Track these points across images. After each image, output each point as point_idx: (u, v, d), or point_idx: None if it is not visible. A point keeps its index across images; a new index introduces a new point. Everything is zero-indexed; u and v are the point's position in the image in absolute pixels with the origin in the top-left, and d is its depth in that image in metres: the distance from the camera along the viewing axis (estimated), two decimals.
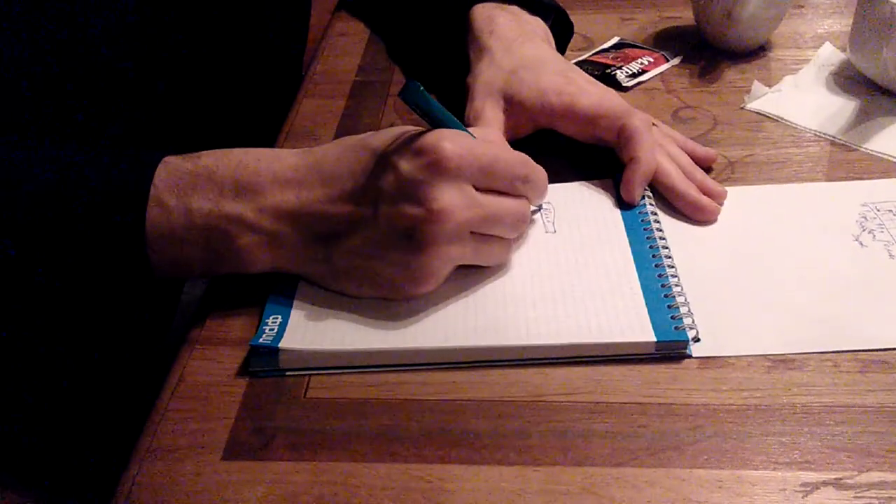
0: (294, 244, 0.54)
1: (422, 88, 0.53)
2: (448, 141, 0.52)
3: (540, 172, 0.57)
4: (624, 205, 0.63)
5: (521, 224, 0.57)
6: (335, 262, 0.54)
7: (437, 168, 0.51)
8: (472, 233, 0.53)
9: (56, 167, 0.53)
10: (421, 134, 0.53)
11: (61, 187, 0.52)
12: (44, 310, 0.59)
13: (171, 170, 0.53)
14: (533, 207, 0.59)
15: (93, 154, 0.54)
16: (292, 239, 0.53)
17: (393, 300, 0.55)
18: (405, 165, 0.52)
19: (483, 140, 0.55)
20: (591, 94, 0.66)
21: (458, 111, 0.69)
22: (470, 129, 0.57)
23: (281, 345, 0.52)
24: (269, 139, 0.75)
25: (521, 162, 0.56)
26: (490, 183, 0.54)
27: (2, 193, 0.52)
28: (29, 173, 0.52)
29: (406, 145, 0.52)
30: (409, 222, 0.51)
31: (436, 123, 0.54)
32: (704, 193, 0.63)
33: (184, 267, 0.54)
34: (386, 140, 0.53)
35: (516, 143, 0.67)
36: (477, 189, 0.53)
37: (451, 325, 0.54)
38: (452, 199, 0.51)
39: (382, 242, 0.52)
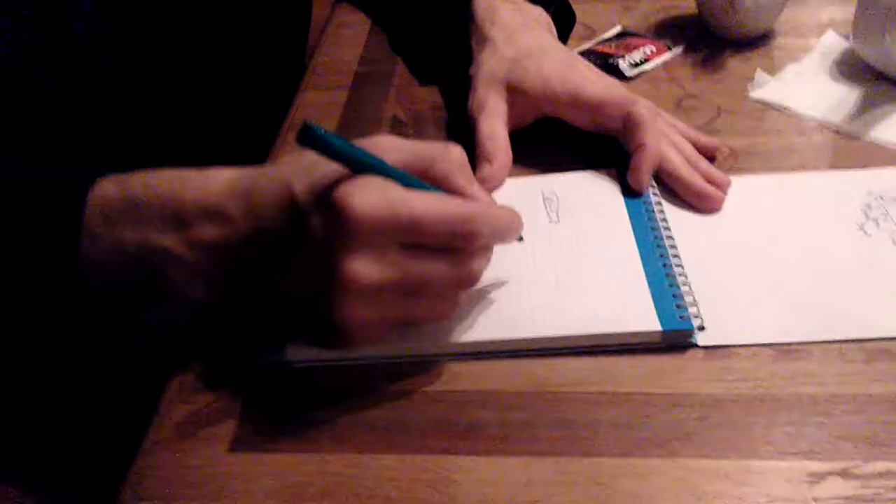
0: (219, 278, 0.51)
1: (322, 131, 0.45)
2: (358, 196, 0.45)
3: (499, 219, 0.50)
4: (628, 194, 0.63)
5: (466, 284, 0.49)
6: (264, 298, 0.52)
7: (345, 229, 0.45)
8: (397, 294, 0.48)
9: None
10: (339, 185, 0.46)
11: None
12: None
13: (100, 195, 0.50)
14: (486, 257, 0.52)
15: (26, 171, 0.52)
16: (217, 273, 0.50)
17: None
18: (315, 222, 0.46)
19: (412, 193, 0.47)
20: (594, 82, 0.66)
21: (461, 102, 0.70)
22: (446, 146, 0.50)
23: (287, 357, 0.52)
24: (271, 131, 0.74)
25: (460, 218, 0.47)
26: (421, 241, 0.47)
27: None
28: None
29: (319, 196, 0.47)
30: (318, 282, 0.46)
31: (352, 165, 0.47)
32: (709, 182, 0.63)
33: (126, 296, 0.52)
34: (305, 186, 0.48)
35: (520, 132, 0.67)
36: (407, 247, 0.47)
37: (456, 318, 0.53)
38: (362, 264, 0.45)
39: (298, 293, 0.49)
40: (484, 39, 0.71)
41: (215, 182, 0.50)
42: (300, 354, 0.52)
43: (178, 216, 0.50)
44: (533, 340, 0.52)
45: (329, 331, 0.48)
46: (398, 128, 0.74)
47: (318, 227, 0.46)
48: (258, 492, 0.45)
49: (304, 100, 0.79)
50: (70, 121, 0.61)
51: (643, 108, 0.64)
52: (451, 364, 0.52)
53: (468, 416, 0.49)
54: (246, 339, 0.54)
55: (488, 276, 0.56)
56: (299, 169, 0.49)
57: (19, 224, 0.50)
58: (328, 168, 0.47)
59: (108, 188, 0.51)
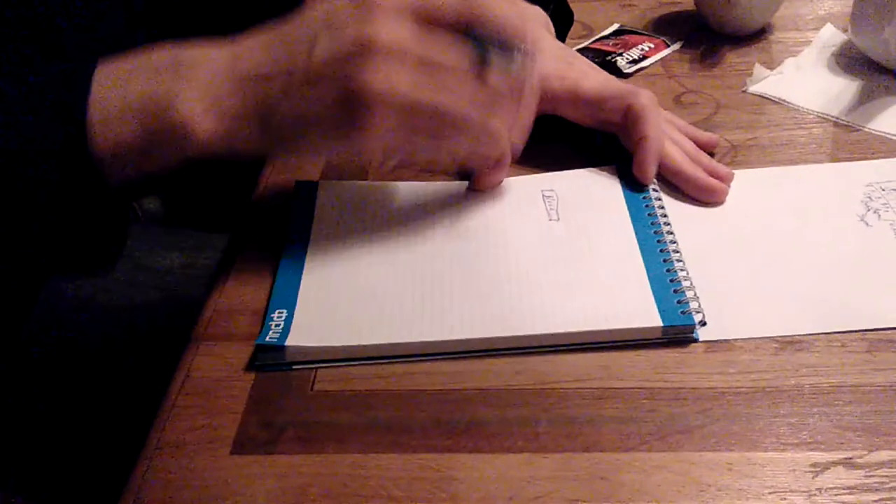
0: (232, 106, 0.51)
1: None
2: None
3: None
4: (628, 190, 0.63)
5: (470, 78, 0.51)
6: (275, 122, 0.51)
7: (370, 4, 0.49)
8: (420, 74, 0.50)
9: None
10: None
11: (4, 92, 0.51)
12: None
13: (109, 63, 0.51)
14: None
15: (35, 66, 0.53)
16: (230, 100, 0.51)
17: (346, 148, 0.53)
18: (339, 4, 0.50)
19: None
20: (593, 78, 0.66)
21: None
22: None
23: (287, 342, 0.52)
24: None
25: None
26: (436, 18, 0.50)
27: None
28: None
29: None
30: (342, 54, 0.49)
31: None
32: (712, 176, 0.63)
33: (123, 155, 0.51)
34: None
35: None
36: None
37: (457, 316, 0.54)
38: (380, 27, 0.49)
39: (317, 87, 0.50)
40: None
41: (222, 39, 0.52)
42: (301, 355, 0.52)
43: (191, 61, 0.51)
44: (534, 337, 0.52)
45: (355, 108, 0.49)
46: None
47: (343, 7, 0.49)
48: (260, 494, 0.45)
49: None
50: None
51: (644, 99, 0.64)
52: (452, 362, 0.52)
53: (470, 414, 0.49)
54: (247, 342, 0.54)
55: (490, 274, 0.56)
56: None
57: (30, 102, 0.50)
58: None
59: (116, 59, 0.52)
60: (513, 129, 0.55)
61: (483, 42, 0.51)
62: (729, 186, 0.63)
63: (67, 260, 0.57)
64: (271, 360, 0.52)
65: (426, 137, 0.52)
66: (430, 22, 0.50)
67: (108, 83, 0.50)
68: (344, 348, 0.52)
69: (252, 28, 0.53)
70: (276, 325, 0.53)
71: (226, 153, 0.52)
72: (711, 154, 0.67)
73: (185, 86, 0.51)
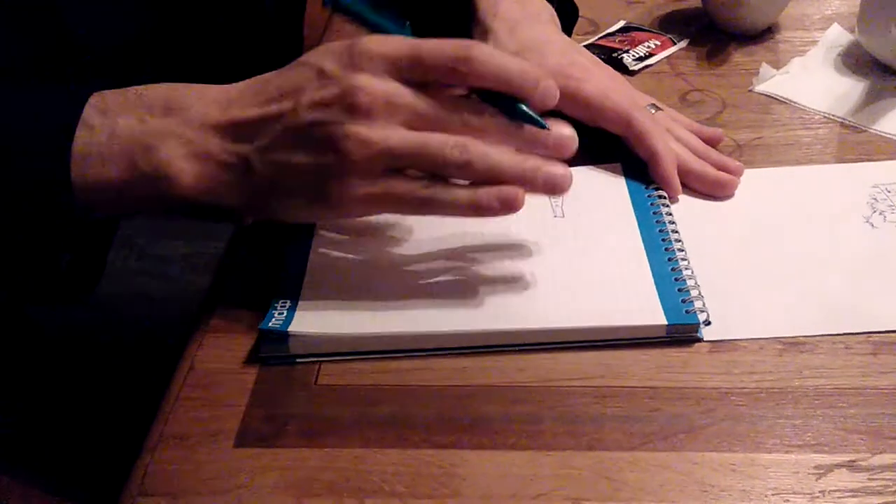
0: (214, 154, 0.51)
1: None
2: (371, 37, 0.50)
3: (498, 55, 0.51)
4: (633, 188, 0.63)
5: (461, 124, 0.50)
6: (256, 171, 0.51)
7: (357, 58, 0.49)
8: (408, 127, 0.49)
9: None
10: (347, 40, 0.51)
11: None
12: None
13: (101, 97, 0.52)
14: (541, 122, 0.52)
15: (28, 89, 0.53)
16: (213, 148, 0.51)
17: (328, 220, 0.54)
18: (329, 65, 0.50)
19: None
20: (596, 82, 0.65)
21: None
22: None
23: (290, 329, 0.52)
24: None
25: (459, 45, 0.49)
26: (421, 73, 0.49)
27: None
28: None
29: (331, 49, 0.51)
30: (327, 103, 0.49)
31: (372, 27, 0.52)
32: (721, 170, 0.63)
33: (104, 190, 0.51)
34: (313, 51, 0.52)
35: None
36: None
37: (461, 309, 0.54)
38: (367, 80, 0.48)
39: (300, 135, 0.50)
40: (486, 32, 0.71)
41: (215, 86, 0.53)
42: (304, 348, 0.52)
43: (181, 103, 0.52)
44: (538, 333, 0.52)
45: (331, 159, 0.49)
46: None
47: (331, 65, 0.49)
48: (263, 487, 0.45)
49: None
50: None
51: (642, 116, 0.64)
52: (456, 358, 0.52)
53: (473, 410, 0.49)
54: (250, 335, 0.54)
55: (494, 269, 0.56)
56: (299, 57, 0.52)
57: (19, 124, 0.51)
58: (322, 45, 0.51)
59: (108, 92, 0.52)
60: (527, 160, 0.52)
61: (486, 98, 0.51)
62: (739, 180, 0.63)
63: (40, 288, 0.57)
64: (274, 351, 0.52)
65: (414, 185, 0.51)
66: (422, 73, 0.49)
67: (99, 116, 0.51)
68: (346, 337, 0.52)
69: (250, 69, 0.53)
70: (280, 314, 0.53)
71: (208, 203, 0.52)
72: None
73: (172, 128, 0.51)
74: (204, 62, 0.73)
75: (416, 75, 0.49)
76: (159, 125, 0.51)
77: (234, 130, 0.51)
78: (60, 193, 0.50)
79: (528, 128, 0.51)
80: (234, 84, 0.53)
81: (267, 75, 0.53)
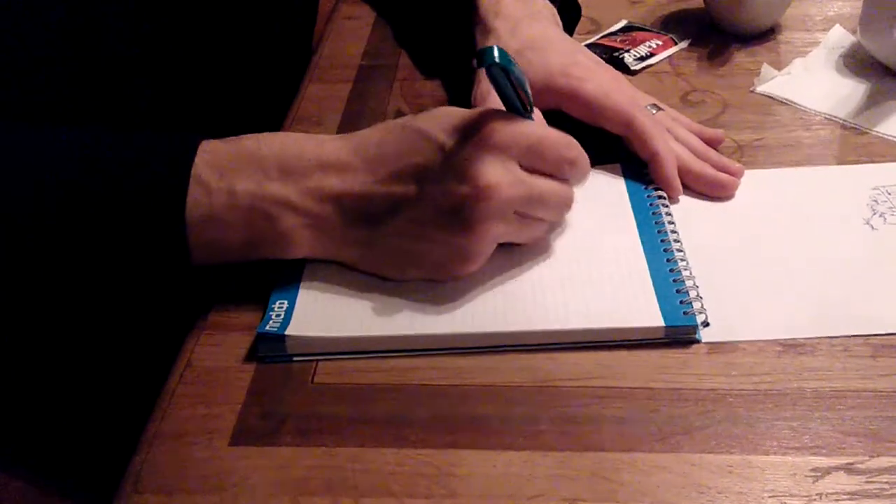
0: (337, 227, 0.53)
1: (504, 54, 0.50)
2: (493, 118, 0.52)
3: (584, 155, 0.56)
4: (632, 188, 0.63)
5: (566, 207, 0.56)
6: (378, 245, 0.53)
7: (485, 145, 0.51)
8: (515, 213, 0.53)
9: (91, 150, 0.52)
10: (468, 113, 0.52)
11: (100, 168, 0.51)
12: (73, 292, 0.59)
13: (212, 150, 0.52)
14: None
15: (130, 135, 0.53)
16: (336, 222, 0.53)
17: (435, 281, 0.54)
18: (449, 142, 0.51)
19: (532, 121, 0.54)
20: (597, 81, 0.65)
21: (465, 93, 0.69)
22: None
23: (287, 332, 0.52)
24: (275, 123, 0.74)
25: (568, 144, 0.54)
26: (536, 163, 0.53)
27: (36, 177, 0.51)
28: (65, 156, 0.52)
29: (450, 123, 0.52)
30: (456, 199, 0.51)
31: (507, 92, 0.52)
32: (721, 171, 0.63)
33: (222, 251, 0.53)
34: (432, 120, 0.53)
35: None
36: (523, 169, 0.52)
37: (458, 310, 0.53)
38: (499, 176, 0.50)
39: (428, 222, 0.52)
40: (488, 31, 0.71)
41: (327, 140, 0.54)
42: (302, 347, 0.52)
43: (297, 168, 0.52)
44: (536, 334, 0.52)
45: (457, 253, 0.53)
46: None
47: (455, 147, 0.51)
48: (259, 485, 0.45)
49: (307, 93, 0.78)
50: (76, 108, 0.61)
51: (642, 116, 0.63)
52: (454, 358, 0.52)
53: (471, 410, 0.49)
54: (248, 332, 0.54)
55: (493, 270, 0.56)
56: (403, 119, 0.55)
57: (129, 178, 0.51)
58: (429, 114, 0.54)
59: (218, 144, 0.53)
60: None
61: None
62: (739, 180, 0.63)
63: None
64: (272, 350, 0.52)
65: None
66: (538, 164, 0.53)
67: (213, 174, 0.51)
68: (343, 339, 0.52)
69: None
70: (277, 316, 0.53)
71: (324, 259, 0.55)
72: (717, 152, 0.67)
73: (291, 198, 0.52)
74: (212, 74, 0.73)
75: (530, 163, 0.53)
76: (278, 191, 0.52)
77: (355, 205, 0.53)
78: (177, 255, 0.51)
79: None
80: (344, 140, 0.54)
81: (375, 136, 0.54)
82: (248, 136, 0.54)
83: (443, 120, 0.52)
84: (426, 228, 0.52)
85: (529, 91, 0.53)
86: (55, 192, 0.51)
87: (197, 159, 0.51)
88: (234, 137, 0.53)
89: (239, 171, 0.51)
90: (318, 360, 0.52)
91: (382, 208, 0.52)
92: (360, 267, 0.55)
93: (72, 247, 0.51)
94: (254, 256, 0.54)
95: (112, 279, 0.55)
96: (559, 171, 0.54)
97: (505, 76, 0.51)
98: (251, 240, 0.52)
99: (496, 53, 0.49)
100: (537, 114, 0.57)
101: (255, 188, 0.51)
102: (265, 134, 0.54)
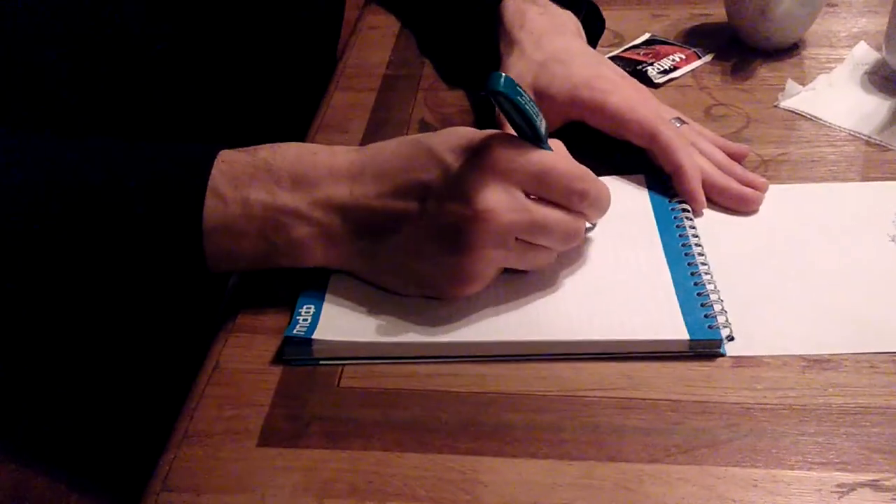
0: (343, 238, 0.53)
1: (510, 83, 0.50)
2: (501, 142, 0.51)
3: (601, 190, 0.55)
4: (656, 200, 0.63)
5: (571, 240, 0.54)
6: (381, 258, 0.54)
7: (487, 169, 0.50)
8: (517, 238, 0.52)
9: (111, 160, 0.53)
10: (478, 135, 0.52)
11: (117, 179, 0.52)
12: (92, 298, 0.60)
13: (229, 161, 0.53)
14: (588, 224, 0.57)
15: (148, 147, 0.54)
16: (342, 232, 0.53)
17: (435, 299, 0.54)
18: (454, 163, 0.51)
19: (542, 150, 0.53)
20: (621, 94, 0.66)
21: (488, 106, 0.70)
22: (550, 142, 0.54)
23: (314, 336, 0.52)
24: (300, 131, 0.75)
25: (579, 176, 0.53)
26: (542, 192, 0.52)
27: (55, 186, 0.52)
28: (84, 166, 0.53)
29: (459, 144, 0.52)
30: (454, 220, 0.51)
31: (515, 119, 0.52)
32: (746, 185, 0.63)
33: (237, 259, 0.54)
34: (441, 138, 0.53)
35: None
36: (529, 196, 0.52)
37: (484, 319, 0.54)
38: (499, 201, 0.50)
39: (427, 240, 0.52)
40: (512, 43, 0.71)
41: (341, 151, 0.55)
42: (327, 351, 0.52)
43: (309, 178, 0.53)
44: (560, 344, 0.52)
45: (453, 274, 0.52)
46: (426, 131, 0.74)
47: (458, 168, 0.51)
48: (286, 486, 0.46)
49: (332, 101, 0.79)
50: (97, 115, 0.62)
51: (667, 129, 0.64)
52: (478, 365, 0.52)
53: (495, 417, 0.49)
54: (275, 335, 0.54)
55: (519, 279, 0.56)
56: (419, 135, 0.55)
57: (147, 186, 0.52)
58: (443, 133, 0.53)
59: (235, 154, 0.53)
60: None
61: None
62: (763, 195, 0.63)
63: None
64: (298, 354, 0.53)
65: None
66: (545, 193, 0.52)
67: (228, 185, 0.52)
68: (369, 345, 0.53)
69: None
70: (304, 320, 0.54)
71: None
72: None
73: (301, 207, 0.53)
74: (237, 81, 0.74)
75: (535, 191, 0.52)
76: (289, 200, 0.52)
77: (359, 216, 0.53)
78: (193, 262, 0.52)
79: None
80: (358, 152, 0.55)
81: (387, 150, 0.54)
82: (265, 146, 0.54)
83: (452, 140, 0.53)
84: (425, 246, 0.52)
85: (542, 121, 0.52)
86: (76, 201, 0.51)
87: (214, 170, 0.52)
88: (251, 147, 0.54)
89: (253, 181, 0.52)
90: (343, 364, 0.53)
91: (385, 222, 0.53)
92: (366, 278, 0.56)
93: (92, 254, 0.52)
94: (269, 265, 0.55)
95: (132, 285, 0.55)
96: (568, 203, 0.53)
97: (510, 105, 0.50)
98: (265, 249, 0.53)
99: (501, 81, 0.49)
100: (558, 144, 0.55)
101: (268, 198, 0.52)
102: (281, 144, 0.54)
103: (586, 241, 0.59)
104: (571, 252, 0.58)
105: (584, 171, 0.54)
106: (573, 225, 0.54)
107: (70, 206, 0.51)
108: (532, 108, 0.51)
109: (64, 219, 0.51)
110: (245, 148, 0.54)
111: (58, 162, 0.53)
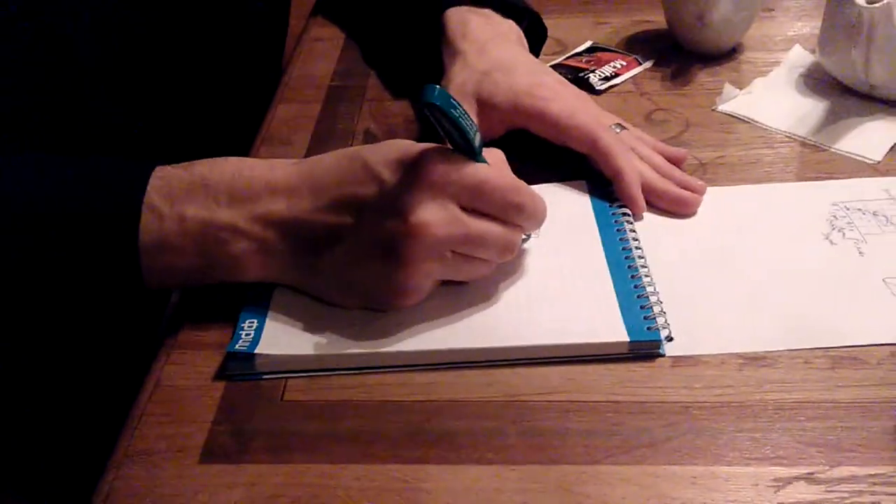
0: (282, 252, 0.53)
1: (444, 96, 0.50)
2: (435, 156, 0.51)
3: (536, 202, 0.55)
4: (597, 205, 0.64)
5: (507, 252, 0.55)
6: (321, 271, 0.54)
7: (421, 183, 0.51)
8: (454, 252, 0.53)
9: (45, 175, 0.53)
10: (414, 148, 0.52)
11: (53, 195, 0.52)
12: (28, 314, 0.59)
13: (164, 177, 0.53)
14: (524, 235, 0.57)
15: (85, 162, 0.54)
16: (281, 247, 0.53)
17: (377, 310, 0.54)
18: (390, 178, 0.51)
19: (477, 163, 0.53)
20: (562, 101, 0.66)
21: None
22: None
23: (257, 350, 0.52)
24: (244, 143, 0.75)
25: (514, 189, 0.53)
26: (477, 205, 0.52)
27: None
28: (17, 181, 0.52)
29: (395, 158, 0.52)
30: (389, 234, 0.51)
31: (450, 132, 0.52)
32: (684, 188, 0.64)
33: (175, 275, 0.53)
34: (377, 152, 0.53)
35: (490, 144, 0.68)
36: (464, 209, 0.52)
37: (427, 328, 0.54)
38: (433, 215, 0.50)
39: (363, 254, 0.52)
40: (455, 53, 0.72)
41: (279, 165, 0.55)
42: (271, 366, 0.52)
43: (245, 193, 0.53)
44: (503, 350, 0.53)
45: (391, 287, 0.53)
46: (371, 141, 0.74)
47: (393, 182, 0.51)
48: (229, 503, 0.45)
49: (277, 113, 0.79)
50: (42, 130, 0.61)
51: (607, 135, 0.65)
52: (422, 374, 0.52)
53: (440, 425, 0.49)
54: (217, 350, 0.54)
55: (461, 287, 0.56)
56: (357, 147, 0.55)
57: (83, 202, 0.52)
58: (380, 146, 0.54)
59: (171, 170, 0.53)
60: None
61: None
62: (701, 197, 0.64)
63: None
64: (241, 369, 0.53)
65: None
66: (480, 206, 0.52)
67: (164, 201, 0.52)
68: (312, 357, 0.53)
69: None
70: (247, 335, 0.53)
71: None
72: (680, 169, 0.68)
73: (239, 223, 0.52)
74: (182, 94, 0.73)
75: (470, 205, 0.52)
76: (227, 217, 0.52)
77: (297, 231, 0.53)
78: (129, 278, 0.52)
79: None
80: (296, 165, 0.54)
81: (324, 164, 0.54)
82: (202, 161, 0.54)
83: (388, 153, 0.53)
84: (362, 260, 0.53)
85: (477, 134, 0.52)
86: (9, 216, 0.51)
87: (149, 186, 0.52)
88: (188, 163, 0.54)
89: (190, 197, 0.52)
90: (287, 378, 0.52)
91: (322, 236, 0.53)
92: (308, 292, 0.56)
93: (27, 270, 0.52)
94: (207, 280, 0.55)
95: (70, 301, 0.55)
96: (504, 215, 0.53)
97: (444, 117, 0.51)
98: (203, 264, 0.53)
99: (435, 93, 0.50)
100: (497, 153, 0.56)
101: (205, 214, 0.52)
102: (218, 159, 0.54)
103: (525, 250, 0.59)
104: (515, 258, 0.58)
105: (519, 183, 0.54)
106: (509, 237, 0.54)
107: (3, 221, 0.51)
108: (466, 121, 0.51)
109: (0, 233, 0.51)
110: (181, 164, 0.54)
111: None
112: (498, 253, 0.54)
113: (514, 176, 0.55)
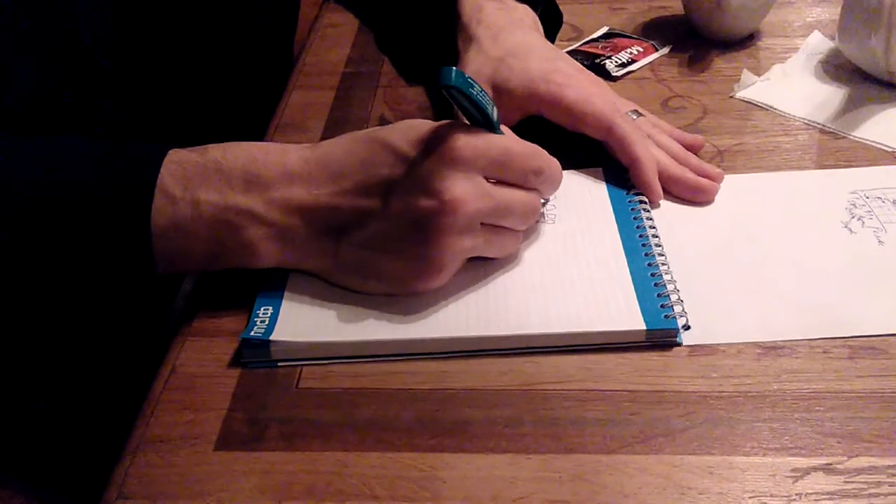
0: (302, 238, 0.53)
1: (462, 76, 0.51)
2: (458, 131, 0.52)
3: (553, 165, 0.56)
4: (613, 193, 0.63)
5: (532, 216, 0.56)
6: (342, 256, 0.54)
7: (449, 159, 0.51)
8: (482, 224, 0.53)
9: (60, 158, 0.53)
10: (433, 126, 0.52)
11: (67, 178, 0.52)
12: (41, 299, 0.59)
13: (178, 161, 0.52)
14: (542, 199, 0.58)
15: (98, 145, 0.54)
16: (301, 233, 0.53)
17: (396, 295, 0.54)
18: (415, 157, 0.51)
19: (497, 135, 0.54)
20: (578, 88, 0.66)
21: (448, 102, 0.69)
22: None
23: (272, 337, 0.52)
24: (258, 131, 0.74)
25: (534, 154, 0.55)
26: (502, 175, 0.53)
27: (4, 183, 0.51)
28: (33, 164, 0.52)
29: (416, 137, 0.52)
30: (421, 213, 0.51)
31: (469, 110, 0.53)
32: (701, 176, 0.64)
33: (187, 260, 0.53)
34: (397, 132, 0.53)
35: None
36: (488, 181, 0.53)
37: (443, 315, 0.54)
38: (464, 190, 0.51)
39: (393, 235, 0.52)
40: (470, 39, 0.71)
41: (292, 150, 0.54)
42: (286, 353, 0.52)
43: (262, 178, 0.52)
44: (519, 338, 0.53)
45: (421, 267, 0.53)
46: None
47: (422, 161, 0.51)
48: (243, 490, 0.45)
49: (291, 100, 0.79)
50: (54, 116, 0.61)
51: (623, 122, 0.64)
52: (437, 362, 0.52)
53: (455, 413, 0.49)
54: (232, 338, 0.54)
55: (476, 275, 0.56)
56: (371, 130, 0.55)
57: (96, 185, 0.51)
58: (397, 126, 0.54)
59: (185, 154, 0.53)
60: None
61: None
62: (719, 185, 0.64)
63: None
64: (256, 356, 0.52)
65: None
66: (504, 175, 0.54)
67: (178, 185, 0.51)
68: (327, 345, 0.52)
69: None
70: (262, 322, 0.53)
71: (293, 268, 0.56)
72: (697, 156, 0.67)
73: (255, 208, 0.52)
74: (195, 82, 0.73)
75: (496, 175, 0.53)
76: (242, 202, 0.52)
77: (321, 216, 0.53)
78: (142, 262, 0.52)
79: None
80: (310, 150, 0.54)
81: (341, 147, 0.54)
82: (215, 145, 0.54)
83: (408, 132, 0.53)
84: (391, 241, 0.52)
85: (494, 108, 0.53)
86: (23, 199, 0.51)
87: (163, 170, 0.51)
88: (201, 147, 0.54)
89: (203, 181, 0.52)
90: (302, 365, 0.52)
91: (348, 220, 0.53)
92: (327, 277, 0.55)
93: (40, 253, 0.52)
94: (218, 266, 0.54)
95: (83, 286, 0.55)
96: (525, 181, 0.55)
97: (463, 97, 0.51)
98: (215, 250, 0.53)
99: (452, 76, 0.50)
100: (506, 129, 0.57)
101: (219, 199, 0.52)
102: (232, 144, 0.54)
103: (545, 234, 0.59)
104: (530, 246, 0.58)
105: (535, 148, 0.56)
106: (532, 202, 0.56)
107: (18, 204, 0.51)
108: (484, 97, 0.52)
109: (11, 217, 0.51)
110: (195, 147, 0.54)
111: (5, 160, 0.52)
112: (522, 218, 0.55)
113: (529, 143, 0.56)
